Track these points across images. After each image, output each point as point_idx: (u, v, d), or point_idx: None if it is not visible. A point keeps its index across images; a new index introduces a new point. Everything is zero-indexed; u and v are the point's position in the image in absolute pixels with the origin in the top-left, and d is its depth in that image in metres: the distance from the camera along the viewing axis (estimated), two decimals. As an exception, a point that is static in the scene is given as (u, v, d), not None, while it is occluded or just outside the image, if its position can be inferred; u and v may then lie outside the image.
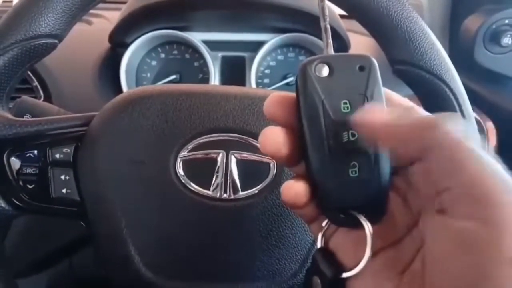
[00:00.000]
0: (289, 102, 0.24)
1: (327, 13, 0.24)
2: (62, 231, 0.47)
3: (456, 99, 0.37)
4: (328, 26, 0.24)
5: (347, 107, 0.22)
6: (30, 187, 0.36)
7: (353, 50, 0.68)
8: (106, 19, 0.73)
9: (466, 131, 0.19)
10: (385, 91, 0.24)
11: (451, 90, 0.37)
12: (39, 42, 0.36)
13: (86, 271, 0.48)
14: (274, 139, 0.23)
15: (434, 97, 0.38)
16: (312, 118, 0.22)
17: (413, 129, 0.20)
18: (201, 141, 0.35)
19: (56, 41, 0.37)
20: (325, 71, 0.23)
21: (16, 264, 0.49)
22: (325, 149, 0.22)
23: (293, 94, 0.24)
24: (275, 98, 0.24)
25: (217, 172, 0.34)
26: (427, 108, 0.39)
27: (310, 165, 0.23)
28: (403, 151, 0.21)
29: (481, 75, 0.63)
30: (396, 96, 0.25)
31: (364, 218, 0.23)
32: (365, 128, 0.21)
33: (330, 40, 0.24)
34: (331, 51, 0.24)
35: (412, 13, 0.37)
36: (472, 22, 0.63)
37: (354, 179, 0.22)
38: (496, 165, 0.18)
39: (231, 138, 0.35)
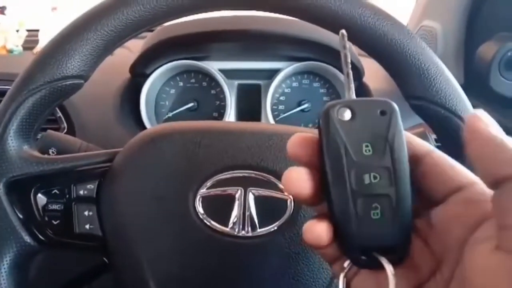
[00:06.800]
0: (311, 143, 0.24)
1: (349, 60, 0.25)
2: (81, 259, 0.47)
3: None
4: (350, 71, 0.25)
5: (369, 150, 0.23)
6: (55, 223, 0.37)
7: (366, 77, 0.68)
8: (127, 49, 0.75)
9: None
10: (406, 134, 0.24)
11: None
12: (66, 83, 0.37)
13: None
14: (298, 180, 0.23)
15: (449, 132, 0.38)
16: (335, 160, 0.23)
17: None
18: (220, 178, 0.36)
19: (82, 81, 0.38)
20: (347, 114, 0.23)
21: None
22: (347, 191, 0.22)
23: (316, 135, 0.24)
24: (298, 138, 0.24)
25: (235, 209, 0.35)
26: (443, 142, 0.40)
27: (332, 206, 0.23)
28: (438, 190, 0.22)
29: (497, 102, 0.63)
30: (417, 140, 0.25)
31: (386, 260, 0.23)
32: None
33: (352, 85, 0.25)
34: (353, 95, 0.24)
35: (426, 49, 0.38)
36: (487, 49, 0.63)
37: (377, 221, 0.22)
38: None
39: (248, 175, 0.36)
